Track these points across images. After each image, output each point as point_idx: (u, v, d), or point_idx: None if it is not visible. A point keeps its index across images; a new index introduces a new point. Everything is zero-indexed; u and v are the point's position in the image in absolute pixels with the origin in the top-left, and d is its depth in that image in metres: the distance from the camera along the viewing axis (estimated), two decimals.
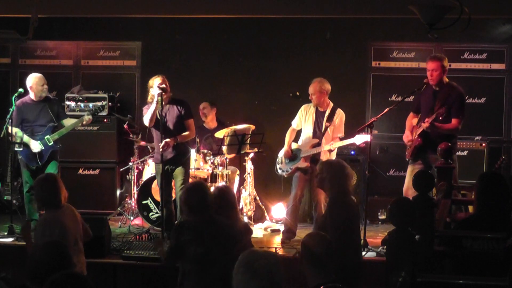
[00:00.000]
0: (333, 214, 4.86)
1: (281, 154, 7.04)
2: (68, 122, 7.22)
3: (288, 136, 7.01)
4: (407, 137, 6.65)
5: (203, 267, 4.40)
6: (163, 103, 6.46)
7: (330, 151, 6.71)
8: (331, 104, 6.83)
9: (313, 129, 6.83)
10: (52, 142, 7.05)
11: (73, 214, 5.04)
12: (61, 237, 4.69)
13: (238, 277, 2.83)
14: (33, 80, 7.13)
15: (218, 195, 5.02)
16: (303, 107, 6.98)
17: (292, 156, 6.87)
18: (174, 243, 4.49)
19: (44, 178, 5.14)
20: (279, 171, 7.03)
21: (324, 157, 6.68)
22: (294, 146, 6.95)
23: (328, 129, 6.74)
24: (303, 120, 6.91)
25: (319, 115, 6.84)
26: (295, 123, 6.99)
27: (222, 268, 4.34)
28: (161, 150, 6.41)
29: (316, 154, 6.72)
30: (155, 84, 6.43)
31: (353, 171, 5.18)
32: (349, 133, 7.13)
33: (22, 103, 7.12)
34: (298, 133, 7.07)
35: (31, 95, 7.13)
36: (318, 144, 6.72)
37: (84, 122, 7.21)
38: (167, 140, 6.46)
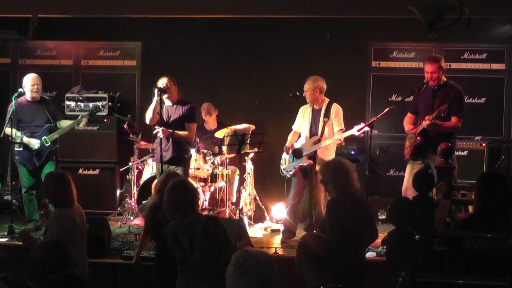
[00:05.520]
0: (331, 215, 4.88)
1: (284, 155, 7.02)
2: (64, 124, 7.24)
3: (290, 138, 7.02)
4: (409, 127, 6.61)
5: (187, 268, 4.37)
6: (171, 103, 6.60)
7: (338, 143, 6.73)
8: (327, 101, 6.82)
9: (309, 127, 6.82)
10: (49, 143, 7.06)
11: (82, 213, 5.06)
12: (71, 235, 4.71)
13: (229, 276, 2.84)
14: (25, 80, 7.22)
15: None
16: (301, 108, 6.99)
17: (297, 153, 6.83)
18: (159, 253, 4.45)
19: (58, 176, 5.02)
20: (284, 172, 6.99)
21: (321, 154, 6.66)
22: (296, 145, 6.93)
23: (326, 125, 6.73)
24: (301, 120, 6.92)
25: (315, 113, 6.84)
26: (295, 126, 6.99)
27: (205, 267, 4.31)
28: (156, 131, 6.42)
29: (314, 152, 6.70)
30: (159, 84, 6.53)
31: (353, 165, 5.17)
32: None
33: (18, 103, 7.13)
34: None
35: (26, 96, 7.19)
36: (319, 141, 6.71)
37: (80, 125, 7.21)
38: (164, 129, 6.45)
